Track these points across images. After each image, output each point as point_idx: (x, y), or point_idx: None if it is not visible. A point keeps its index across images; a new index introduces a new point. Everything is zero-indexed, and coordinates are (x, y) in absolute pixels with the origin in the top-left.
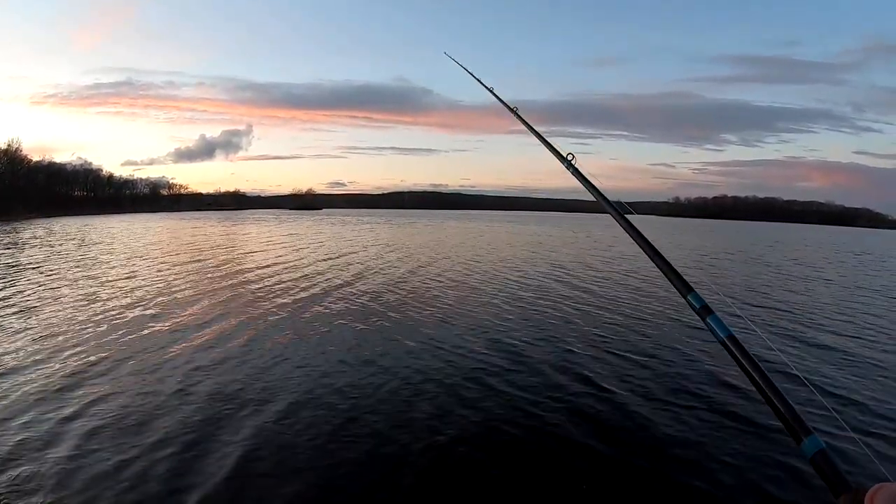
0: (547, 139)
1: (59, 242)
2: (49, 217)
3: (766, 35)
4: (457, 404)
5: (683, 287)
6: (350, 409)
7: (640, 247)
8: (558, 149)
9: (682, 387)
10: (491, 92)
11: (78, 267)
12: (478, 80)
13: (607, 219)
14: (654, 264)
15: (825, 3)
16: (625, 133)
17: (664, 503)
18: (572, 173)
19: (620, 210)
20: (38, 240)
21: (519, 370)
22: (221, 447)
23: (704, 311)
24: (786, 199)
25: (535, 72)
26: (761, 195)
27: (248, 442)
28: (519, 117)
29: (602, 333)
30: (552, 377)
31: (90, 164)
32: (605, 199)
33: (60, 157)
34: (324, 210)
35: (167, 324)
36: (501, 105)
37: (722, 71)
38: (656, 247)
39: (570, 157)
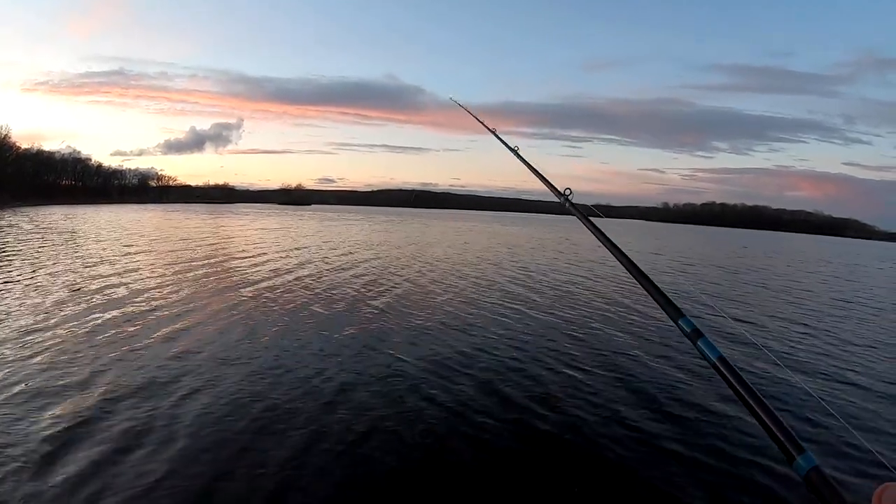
0: (544, 176)
1: (38, 235)
2: (35, 206)
3: (759, 45)
4: (443, 409)
5: (674, 312)
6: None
7: (635, 277)
8: (555, 184)
9: (674, 395)
10: (493, 133)
11: (61, 260)
12: (481, 122)
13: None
14: (644, 291)
15: (819, 16)
16: (616, 137)
17: None
18: (569, 208)
19: (618, 247)
20: (22, 230)
21: (496, 370)
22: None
23: (695, 334)
24: (775, 207)
25: (529, 74)
26: (750, 203)
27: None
28: (520, 157)
29: (577, 336)
30: (536, 377)
31: (79, 153)
32: (604, 236)
33: (49, 146)
34: (313, 206)
35: (129, 313)
36: (493, 110)
37: (715, 79)
38: (654, 280)
39: (567, 193)
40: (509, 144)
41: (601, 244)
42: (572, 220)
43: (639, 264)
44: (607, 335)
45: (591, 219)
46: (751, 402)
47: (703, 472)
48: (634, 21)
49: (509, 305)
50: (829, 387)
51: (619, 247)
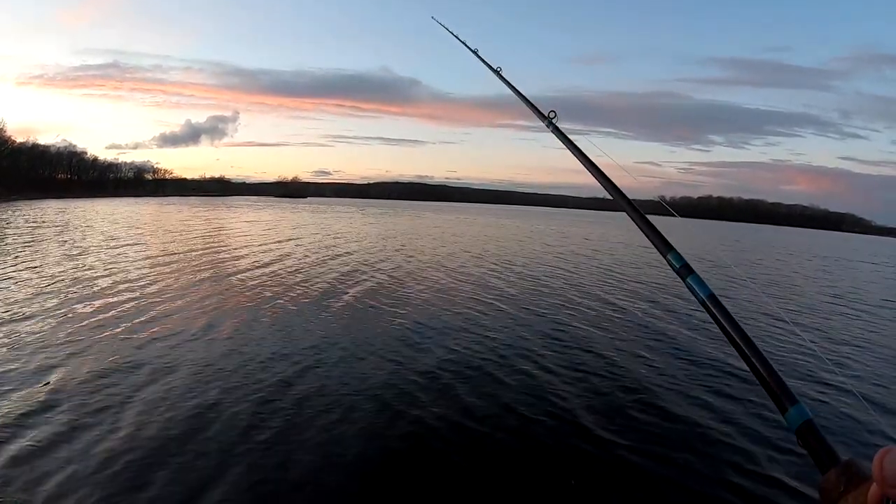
0: (528, 98)
1: (30, 230)
2: (31, 200)
3: (756, 39)
4: (440, 401)
5: (664, 246)
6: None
7: (624, 209)
8: (539, 108)
9: (667, 369)
10: (475, 54)
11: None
12: (462, 42)
13: (593, 215)
14: (637, 226)
15: (816, 10)
16: (612, 130)
17: (652, 494)
18: (553, 132)
19: (605, 174)
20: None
21: (498, 361)
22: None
23: (685, 269)
24: (771, 201)
25: (524, 66)
26: (746, 197)
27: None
28: (502, 78)
29: (580, 322)
30: (532, 372)
31: (74, 146)
32: (589, 161)
33: (44, 139)
34: (309, 199)
35: (124, 307)
36: (490, 102)
37: (711, 73)
38: (643, 213)
39: (551, 116)
40: (492, 65)
41: (587, 170)
42: (575, 214)
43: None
44: (596, 327)
45: (574, 141)
46: (740, 343)
47: (694, 448)
48: (630, 14)
49: (485, 298)
50: (830, 346)
51: (606, 173)
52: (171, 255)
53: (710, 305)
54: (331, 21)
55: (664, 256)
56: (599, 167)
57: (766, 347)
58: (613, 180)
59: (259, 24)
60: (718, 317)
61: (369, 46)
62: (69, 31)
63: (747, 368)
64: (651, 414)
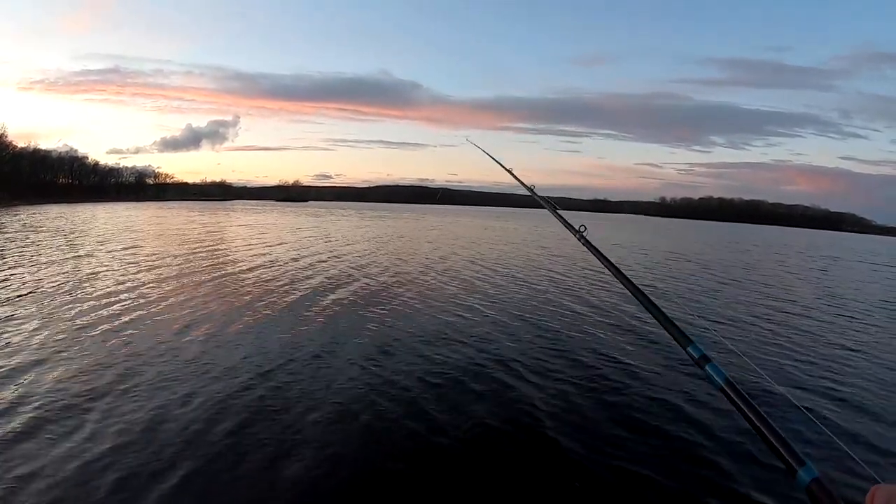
0: (564, 218)
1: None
2: (33, 204)
3: (756, 39)
4: (441, 402)
5: (684, 339)
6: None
7: (644, 305)
8: (570, 222)
9: (670, 394)
10: (511, 174)
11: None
12: (498, 163)
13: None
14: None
15: (816, 10)
16: (612, 132)
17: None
18: (584, 245)
19: (633, 283)
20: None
21: (499, 363)
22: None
23: (703, 360)
24: (772, 201)
25: (524, 68)
26: (747, 197)
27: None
28: (536, 195)
29: (569, 331)
30: (540, 371)
31: (75, 151)
32: (617, 270)
33: (46, 144)
34: (311, 203)
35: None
36: (490, 105)
37: (711, 73)
38: (662, 309)
39: (581, 230)
40: (526, 184)
41: (618, 281)
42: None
43: (649, 295)
44: (597, 333)
45: (604, 253)
46: (756, 421)
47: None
48: (629, 14)
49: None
50: (811, 397)
51: (635, 283)
52: (160, 258)
53: (727, 391)
54: (331, 25)
55: (684, 349)
56: (634, 283)
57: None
58: (640, 287)
59: (259, 28)
60: (737, 401)
61: (369, 50)
62: (71, 36)
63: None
64: (660, 421)
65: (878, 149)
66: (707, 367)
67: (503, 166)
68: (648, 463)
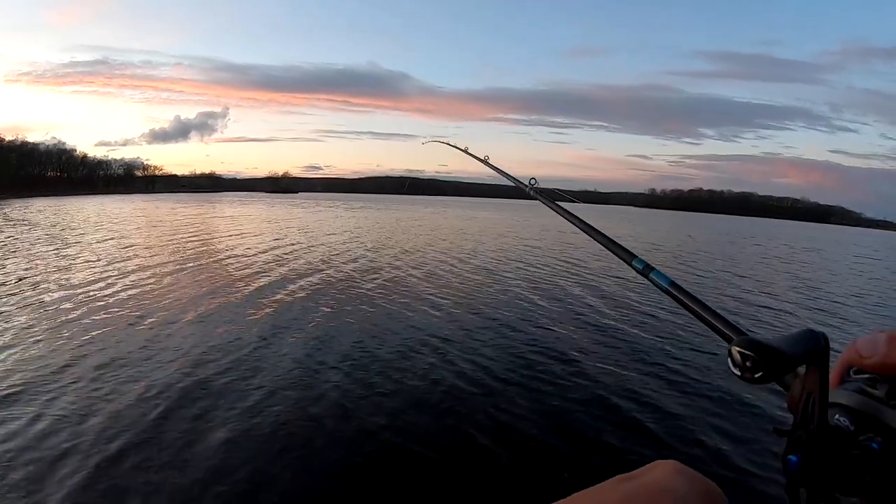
0: (509, 174)
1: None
2: (20, 198)
3: (747, 33)
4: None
5: (627, 255)
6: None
7: (589, 234)
8: (518, 179)
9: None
10: (465, 151)
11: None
12: (463, 150)
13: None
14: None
15: (806, 4)
16: (603, 124)
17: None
18: (535, 196)
19: (581, 220)
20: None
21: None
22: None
23: (647, 269)
24: (761, 194)
25: (515, 60)
26: (737, 189)
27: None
28: (490, 165)
29: (549, 314)
30: (520, 362)
31: (64, 144)
32: (570, 214)
33: (34, 137)
34: (301, 194)
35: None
36: (480, 96)
37: (702, 66)
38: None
39: (532, 183)
40: (480, 157)
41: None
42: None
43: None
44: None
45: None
46: (694, 306)
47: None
48: (620, 7)
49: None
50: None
51: (585, 220)
52: (133, 251)
53: (673, 291)
54: (321, 16)
55: (629, 264)
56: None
57: None
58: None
59: (249, 19)
60: (681, 298)
61: (359, 41)
62: (59, 28)
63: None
64: (643, 406)
65: (867, 142)
66: (652, 275)
67: (471, 154)
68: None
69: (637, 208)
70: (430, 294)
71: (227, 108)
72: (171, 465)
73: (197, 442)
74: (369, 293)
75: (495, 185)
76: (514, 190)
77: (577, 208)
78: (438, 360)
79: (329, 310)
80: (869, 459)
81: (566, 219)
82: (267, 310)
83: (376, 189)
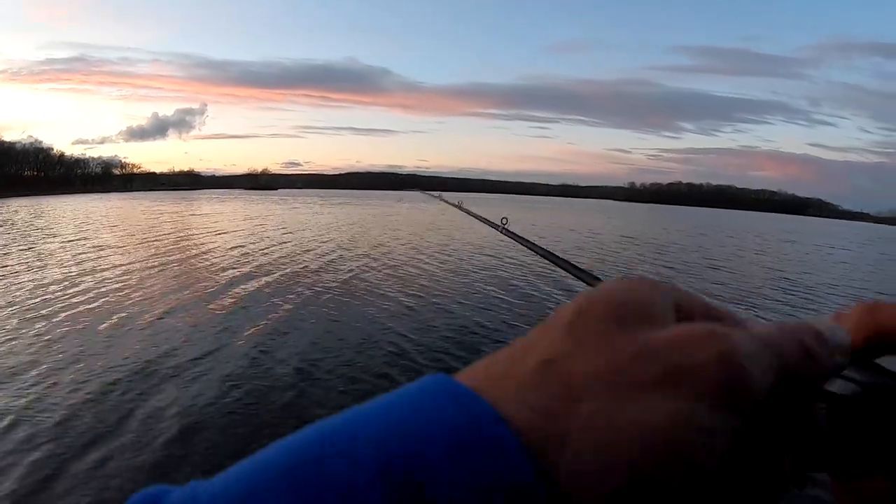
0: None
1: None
2: None
3: (726, 27)
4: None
5: (591, 280)
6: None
7: (558, 264)
8: (489, 219)
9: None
10: (460, 208)
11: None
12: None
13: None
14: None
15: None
16: (583, 118)
17: None
18: (506, 235)
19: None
20: None
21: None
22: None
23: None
24: (739, 186)
25: (495, 54)
26: (715, 183)
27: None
28: (466, 210)
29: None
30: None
31: (41, 142)
32: (536, 246)
33: (10, 136)
34: (280, 191)
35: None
36: (461, 91)
37: (682, 60)
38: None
39: (503, 223)
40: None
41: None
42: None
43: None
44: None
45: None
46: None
47: None
48: (603, 2)
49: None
50: None
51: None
52: (104, 249)
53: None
54: (299, 11)
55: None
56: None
57: None
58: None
59: (227, 15)
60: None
61: (339, 36)
62: (35, 25)
63: None
64: None
65: (845, 136)
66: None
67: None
68: None
69: (616, 202)
70: (386, 287)
71: (206, 105)
72: (129, 447)
73: (154, 428)
74: (330, 286)
75: (466, 179)
76: (485, 184)
77: (550, 225)
78: (388, 347)
79: (290, 304)
80: (816, 430)
81: (534, 251)
82: (230, 303)
83: (357, 184)
